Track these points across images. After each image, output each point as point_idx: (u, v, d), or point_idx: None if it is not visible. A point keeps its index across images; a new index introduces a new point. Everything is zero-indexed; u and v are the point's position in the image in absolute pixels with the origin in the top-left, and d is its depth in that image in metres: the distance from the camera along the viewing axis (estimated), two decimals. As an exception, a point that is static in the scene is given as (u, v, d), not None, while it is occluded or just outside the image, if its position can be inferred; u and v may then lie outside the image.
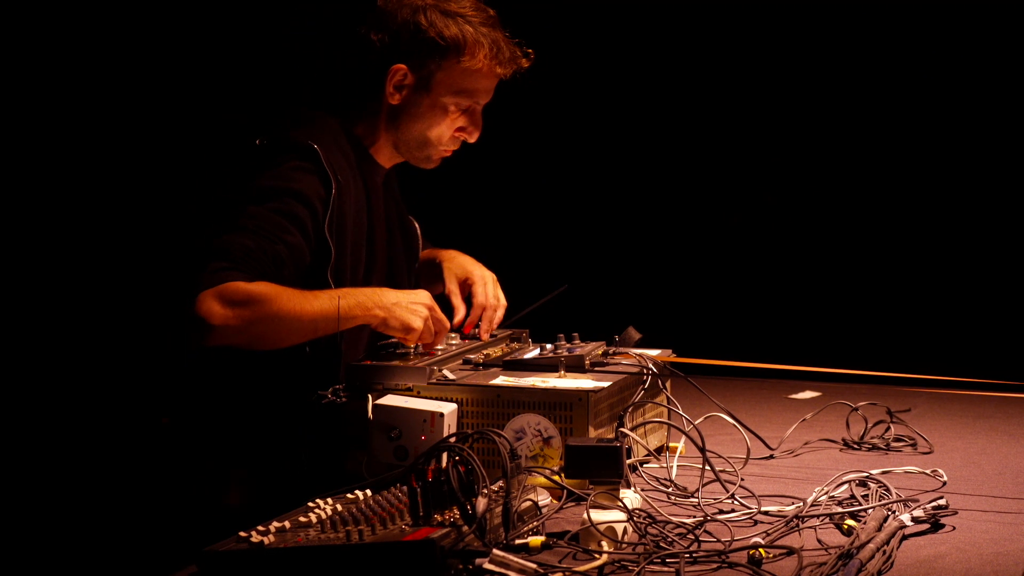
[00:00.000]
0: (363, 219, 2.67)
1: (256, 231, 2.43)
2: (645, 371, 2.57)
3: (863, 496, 2.19)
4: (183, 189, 3.64)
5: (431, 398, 2.38)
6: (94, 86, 3.73)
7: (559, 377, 2.49)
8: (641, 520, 2.04)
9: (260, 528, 1.85)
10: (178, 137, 3.76)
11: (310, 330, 2.44)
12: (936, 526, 2.12)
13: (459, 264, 2.96)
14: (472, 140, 2.75)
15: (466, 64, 2.65)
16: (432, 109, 2.66)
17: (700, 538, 2.03)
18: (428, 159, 2.75)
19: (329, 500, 1.99)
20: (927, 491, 2.31)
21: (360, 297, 2.47)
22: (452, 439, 1.99)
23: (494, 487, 1.97)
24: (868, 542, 1.91)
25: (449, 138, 2.72)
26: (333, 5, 3.03)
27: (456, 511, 1.84)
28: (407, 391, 2.41)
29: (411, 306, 2.49)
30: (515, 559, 1.77)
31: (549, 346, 2.69)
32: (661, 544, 1.98)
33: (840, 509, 2.15)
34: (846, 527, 2.05)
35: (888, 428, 2.78)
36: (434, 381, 2.43)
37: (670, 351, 2.76)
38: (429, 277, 2.98)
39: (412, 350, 2.58)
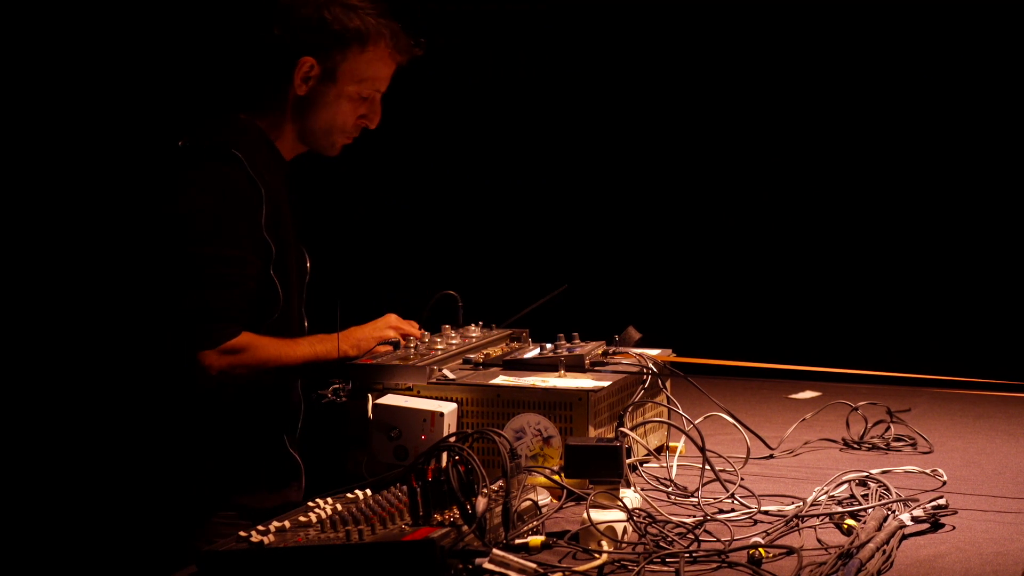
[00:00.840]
0: (288, 218, 2.74)
1: (222, 280, 2.56)
2: (645, 371, 2.57)
3: (863, 496, 2.19)
4: (110, 193, 3.69)
5: (431, 398, 2.38)
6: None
7: (559, 377, 2.49)
8: (641, 520, 2.04)
9: (260, 528, 1.85)
10: (92, 139, 3.80)
11: (295, 373, 2.70)
12: (936, 526, 2.12)
13: (365, 340, 2.94)
14: (373, 126, 2.82)
15: (369, 54, 2.74)
16: (338, 99, 2.74)
17: (700, 538, 2.03)
18: (332, 146, 2.82)
19: (329, 500, 1.99)
20: (927, 491, 2.31)
21: (333, 341, 2.64)
22: (452, 439, 1.99)
23: (494, 487, 1.98)
24: (868, 542, 1.91)
25: (352, 125, 2.80)
26: (235, 4, 3.10)
27: (456, 511, 1.84)
28: (407, 391, 2.42)
29: (375, 332, 2.70)
30: (515, 559, 1.77)
31: (549, 346, 2.69)
32: (661, 544, 1.98)
33: (840, 509, 2.15)
34: (846, 527, 2.05)
35: (888, 428, 2.78)
36: (434, 381, 2.43)
37: (670, 351, 2.76)
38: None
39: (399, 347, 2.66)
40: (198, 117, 2.77)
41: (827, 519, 2.11)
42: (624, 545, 1.96)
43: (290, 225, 2.73)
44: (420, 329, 2.76)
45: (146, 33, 3.87)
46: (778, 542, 2.00)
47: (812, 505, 2.17)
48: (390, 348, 2.64)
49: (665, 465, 2.42)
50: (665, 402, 2.60)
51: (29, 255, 3.77)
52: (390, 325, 2.73)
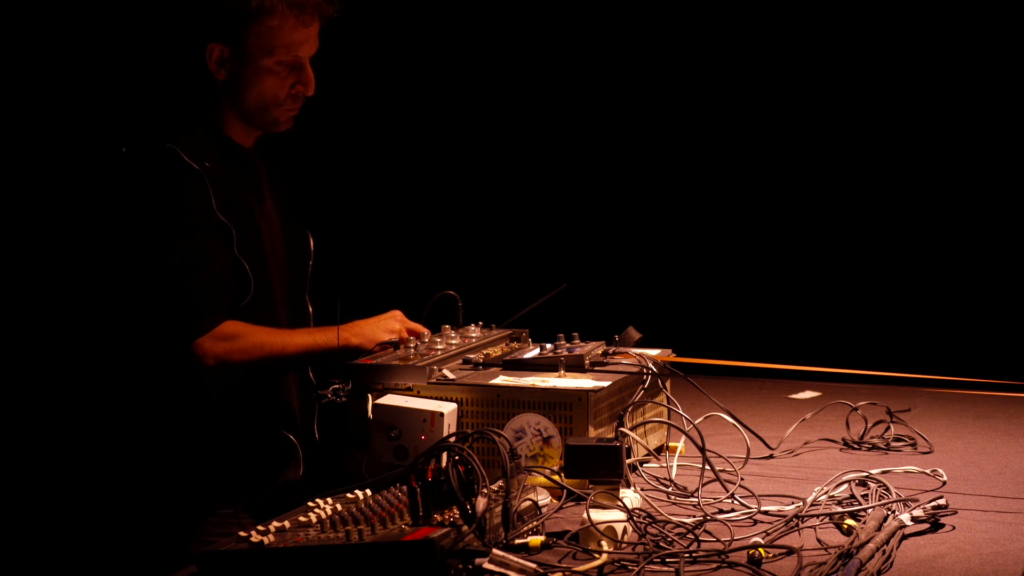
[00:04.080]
0: (248, 200, 2.76)
1: (191, 271, 2.60)
2: (645, 371, 2.57)
3: (863, 496, 2.19)
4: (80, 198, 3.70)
5: (431, 398, 2.38)
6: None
7: (559, 377, 2.49)
8: (641, 520, 2.04)
9: (260, 528, 1.85)
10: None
11: (295, 362, 2.72)
12: (936, 526, 2.12)
13: (370, 332, 2.99)
14: (309, 93, 2.82)
15: (269, 23, 2.73)
16: (257, 74, 2.76)
17: (700, 538, 2.03)
18: (276, 122, 2.83)
19: (329, 500, 1.99)
20: (927, 491, 2.31)
21: (335, 331, 2.65)
22: (452, 439, 1.99)
23: (494, 487, 1.98)
24: (868, 542, 1.91)
25: (286, 96, 2.80)
26: (147, 6, 3.14)
27: (456, 511, 1.84)
28: (407, 391, 2.42)
29: (380, 324, 2.72)
30: (515, 559, 1.77)
31: (549, 346, 2.69)
32: (661, 544, 1.98)
33: (840, 509, 2.15)
34: (846, 527, 2.05)
35: (888, 428, 2.78)
36: (434, 381, 2.43)
37: (670, 351, 2.76)
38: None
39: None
40: (141, 121, 2.83)
41: (827, 519, 2.11)
42: (624, 545, 1.96)
43: (254, 206, 2.76)
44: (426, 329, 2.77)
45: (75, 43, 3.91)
46: (778, 542, 2.00)
47: (812, 505, 2.17)
48: (390, 348, 2.64)
49: (665, 465, 2.42)
50: (665, 402, 2.60)
51: (12, 259, 3.79)
52: (396, 319, 2.75)
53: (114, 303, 2.77)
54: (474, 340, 2.76)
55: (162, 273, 2.59)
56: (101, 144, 2.88)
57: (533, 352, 2.67)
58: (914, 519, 2.09)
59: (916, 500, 2.19)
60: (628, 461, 2.13)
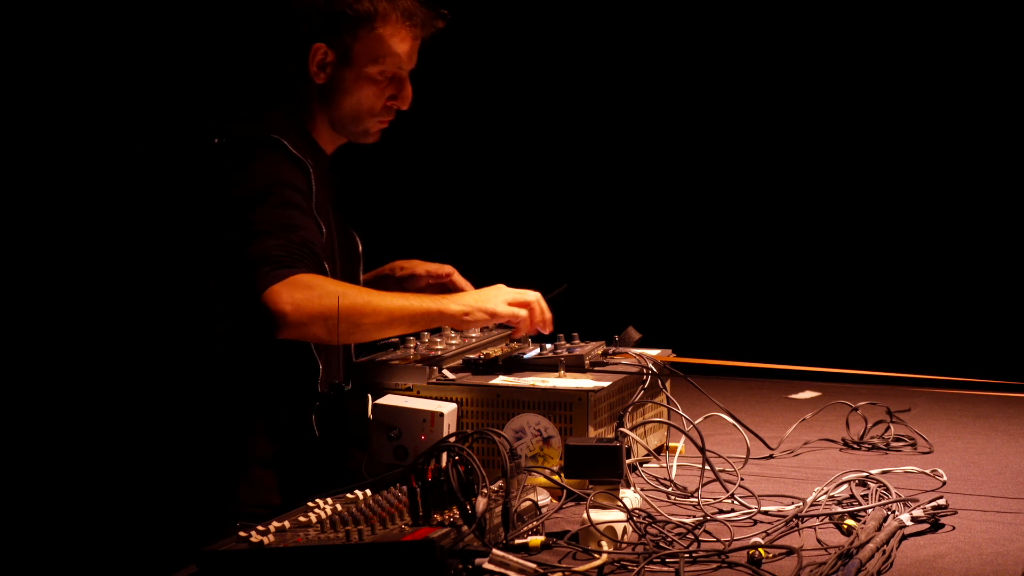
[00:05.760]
0: (327, 205, 2.72)
1: (276, 231, 2.47)
2: (645, 371, 2.57)
3: (863, 496, 2.19)
4: (143, 192, 3.66)
5: (431, 398, 2.38)
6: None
7: (559, 377, 2.49)
8: (641, 520, 2.04)
9: (260, 528, 1.85)
10: (120, 139, 3.78)
11: (386, 321, 2.50)
12: (936, 526, 2.12)
13: (420, 263, 3.05)
14: (404, 107, 2.79)
15: (380, 31, 2.70)
16: (358, 81, 2.71)
17: (700, 538, 2.03)
18: (366, 133, 2.79)
19: (329, 500, 1.99)
20: (927, 491, 2.31)
21: (432, 299, 2.56)
22: (452, 439, 1.99)
23: (494, 487, 1.97)
24: (868, 542, 1.91)
25: (381, 108, 2.76)
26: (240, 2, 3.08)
27: (456, 511, 1.84)
28: (407, 391, 2.42)
29: (487, 294, 2.60)
30: (515, 559, 1.77)
31: (549, 346, 2.69)
32: (661, 544, 1.98)
33: (840, 509, 2.15)
34: (846, 527, 2.05)
35: (888, 428, 2.78)
36: (434, 381, 2.43)
37: (670, 351, 2.76)
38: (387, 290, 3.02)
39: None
40: (226, 115, 2.74)
41: (827, 519, 2.11)
42: (624, 545, 1.96)
43: (331, 214, 2.70)
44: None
45: (163, 36, 3.86)
46: (778, 542, 2.00)
47: (812, 505, 2.17)
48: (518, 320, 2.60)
49: (665, 465, 2.42)
50: (665, 402, 2.60)
51: (54, 257, 3.77)
52: (504, 289, 2.64)
53: (160, 290, 2.68)
54: (474, 340, 2.76)
55: (247, 232, 2.46)
56: (192, 135, 2.72)
57: (533, 352, 2.67)
58: (914, 519, 2.09)
59: (916, 500, 2.19)
60: (628, 461, 2.13)
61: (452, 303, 2.56)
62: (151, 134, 3.62)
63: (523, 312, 2.61)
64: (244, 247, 2.46)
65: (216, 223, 2.54)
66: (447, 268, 3.02)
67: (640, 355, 2.63)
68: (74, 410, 3.71)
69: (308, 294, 2.42)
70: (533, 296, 2.64)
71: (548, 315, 2.67)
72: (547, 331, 2.69)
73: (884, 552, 1.90)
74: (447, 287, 2.98)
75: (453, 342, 2.71)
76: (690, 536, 2.03)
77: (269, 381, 2.59)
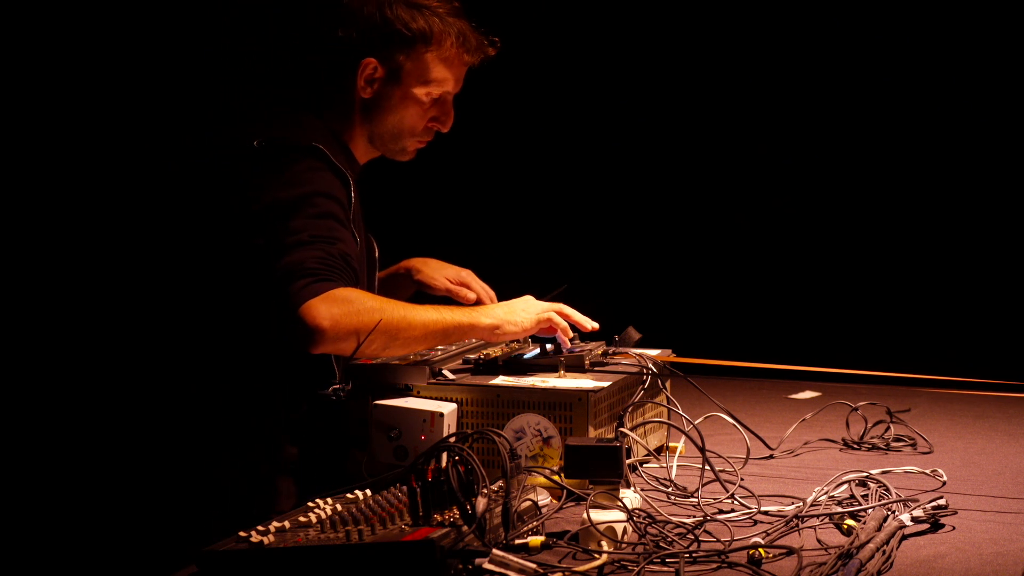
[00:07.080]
0: (360, 216, 2.70)
1: (313, 242, 2.44)
2: (645, 371, 2.57)
3: (863, 496, 2.19)
4: (176, 194, 3.64)
5: (431, 398, 2.38)
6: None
7: (559, 377, 2.49)
8: (641, 520, 2.04)
9: (260, 528, 1.85)
10: (156, 140, 3.76)
11: (421, 336, 2.49)
12: (936, 526, 2.12)
13: (439, 266, 3.03)
14: (445, 130, 2.78)
15: (433, 54, 2.69)
16: (404, 100, 2.70)
17: (700, 538, 2.03)
18: (403, 151, 2.78)
19: (329, 500, 1.99)
20: (927, 491, 2.31)
21: (463, 311, 2.55)
22: (452, 439, 1.99)
23: (494, 487, 1.97)
24: (868, 542, 1.91)
25: (423, 128, 2.75)
26: (298, 5, 3.05)
27: (456, 511, 1.84)
28: (407, 391, 2.42)
29: (515, 307, 2.60)
30: (515, 559, 1.77)
31: (549, 346, 2.69)
32: (661, 544, 1.98)
33: (840, 509, 2.15)
34: (846, 527, 2.05)
35: (888, 428, 2.78)
36: (434, 381, 2.43)
37: (670, 351, 2.76)
38: (401, 288, 3.01)
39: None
40: (266, 117, 2.69)
41: (827, 519, 2.11)
42: (624, 545, 1.96)
43: (363, 225, 2.69)
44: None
45: (212, 34, 3.84)
46: (778, 542, 2.00)
47: (812, 505, 2.17)
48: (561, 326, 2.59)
49: (665, 465, 2.42)
50: (665, 402, 2.60)
51: (78, 255, 3.76)
52: (533, 300, 2.63)
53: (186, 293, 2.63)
54: (474, 340, 2.76)
55: (284, 241, 2.41)
56: (227, 139, 2.67)
57: (533, 352, 2.67)
58: (914, 519, 2.09)
59: (916, 500, 2.19)
60: (628, 461, 2.13)
61: (483, 316, 2.56)
62: (191, 133, 3.60)
63: (560, 321, 2.60)
64: (280, 256, 2.42)
65: (251, 227, 2.49)
66: (463, 274, 2.99)
67: (640, 355, 2.63)
68: (74, 410, 3.71)
69: (347, 308, 2.38)
70: (559, 305, 2.64)
71: (578, 316, 2.65)
72: (588, 329, 2.67)
73: (884, 552, 1.90)
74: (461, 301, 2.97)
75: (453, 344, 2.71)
76: (690, 536, 2.03)
77: (285, 387, 2.57)
